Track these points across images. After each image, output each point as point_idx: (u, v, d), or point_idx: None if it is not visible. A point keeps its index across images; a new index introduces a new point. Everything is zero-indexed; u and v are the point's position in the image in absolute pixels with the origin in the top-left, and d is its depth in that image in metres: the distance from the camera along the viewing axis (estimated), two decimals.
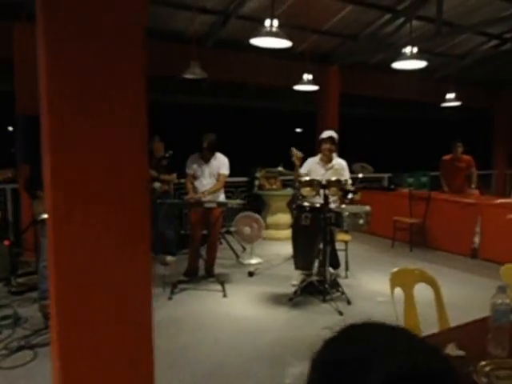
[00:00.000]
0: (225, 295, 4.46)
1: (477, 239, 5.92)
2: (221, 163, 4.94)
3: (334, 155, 4.70)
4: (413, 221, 6.47)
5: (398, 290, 2.62)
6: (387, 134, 14.52)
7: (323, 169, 4.65)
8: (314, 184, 4.13)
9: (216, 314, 4.08)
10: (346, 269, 5.30)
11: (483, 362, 1.41)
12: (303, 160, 4.64)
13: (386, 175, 9.20)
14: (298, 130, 11.68)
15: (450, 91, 7.62)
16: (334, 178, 4.18)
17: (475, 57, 8.72)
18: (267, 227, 7.06)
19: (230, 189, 7.54)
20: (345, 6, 6.54)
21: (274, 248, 6.39)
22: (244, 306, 4.28)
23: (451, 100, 7.62)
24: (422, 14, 6.80)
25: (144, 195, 1.78)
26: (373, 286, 4.78)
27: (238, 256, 5.85)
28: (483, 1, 6.65)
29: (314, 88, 6.08)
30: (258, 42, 3.91)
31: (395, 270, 2.62)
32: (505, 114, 11.14)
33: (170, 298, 4.36)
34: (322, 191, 4.18)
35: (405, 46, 4.62)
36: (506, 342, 1.57)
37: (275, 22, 3.72)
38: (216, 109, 10.24)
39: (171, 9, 5.99)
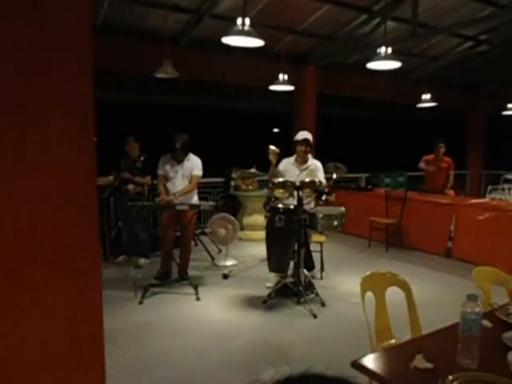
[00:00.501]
0: (198, 298, 4.33)
1: (451, 239, 5.94)
2: (194, 164, 4.80)
3: (309, 156, 4.63)
4: (389, 221, 6.46)
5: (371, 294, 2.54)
6: (364, 134, 14.60)
7: (298, 170, 4.57)
8: (287, 185, 4.04)
9: (188, 318, 3.95)
10: (322, 270, 5.24)
11: (451, 377, 1.33)
12: (280, 158, 4.54)
13: (364, 175, 9.21)
14: (276, 130, 11.62)
15: (426, 92, 7.65)
16: (308, 179, 4.09)
17: (450, 58, 8.81)
18: (243, 228, 6.97)
19: (206, 190, 7.44)
20: (321, 6, 6.48)
21: (250, 249, 6.29)
22: (217, 309, 4.16)
23: (426, 101, 7.65)
24: (398, 15, 6.80)
25: (90, 202, 1.62)
26: (348, 287, 4.73)
27: (212, 258, 5.72)
28: (458, 2, 6.68)
29: (290, 88, 5.99)
30: (230, 40, 3.78)
31: (367, 274, 2.53)
32: (478, 115, 11.31)
33: (140, 303, 4.20)
34: (295, 192, 4.09)
35: (380, 46, 4.56)
36: (476, 352, 1.50)
37: (247, 21, 3.60)
38: (193, 108, 10.07)
39: (144, 7, 5.82)
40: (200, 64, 7.04)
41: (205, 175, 7.28)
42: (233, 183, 7.20)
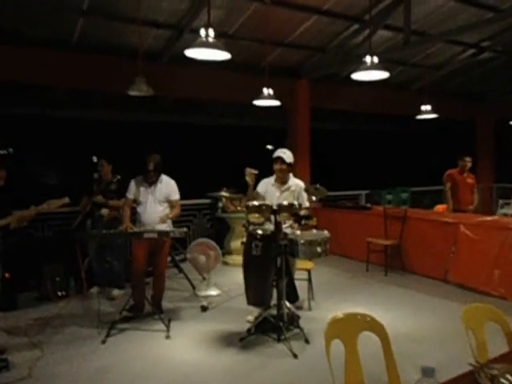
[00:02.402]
0: (168, 336, 3.98)
1: (453, 262, 5.52)
2: (170, 188, 4.53)
3: (290, 176, 4.31)
4: (387, 242, 6.07)
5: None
6: (364, 148, 14.24)
7: (278, 191, 4.25)
8: (262, 209, 3.71)
9: (154, 360, 3.60)
10: (312, 298, 4.86)
11: None
12: (258, 179, 4.25)
13: (363, 192, 8.83)
14: (269, 147, 11.37)
15: (426, 103, 7.31)
16: (285, 203, 3.76)
17: (452, 67, 8.49)
18: (231, 252, 6.63)
19: (191, 212, 7.14)
20: (308, 17, 6.26)
21: (236, 276, 5.85)
22: (188, 349, 3.80)
23: (427, 112, 7.31)
24: (391, 24, 6.55)
25: None
26: None
27: (194, 287, 5.38)
28: (456, 8, 6.40)
29: (275, 103, 5.71)
30: (194, 53, 3.52)
31: (334, 317, 2.18)
32: (486, 126, 10.91)
33: (103, 342, 3.87)
34: (272, 217, 3.76)
35: (365, 55, 4.27)
36: None
37: (211, 32, 3.33)
38: (180, 127, 9.88)
39: (122, 24, 5.65)
40: (184, 80, 6.83)
41: (191, 196, 7.06)
42: (220, 204, 6.89)
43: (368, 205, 7.23)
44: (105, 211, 5.23)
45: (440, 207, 6.99)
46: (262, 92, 5.65)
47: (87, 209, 5.27)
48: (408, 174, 11.58)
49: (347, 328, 2.21)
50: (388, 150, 14.66)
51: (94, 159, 5.57)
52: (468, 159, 6.67)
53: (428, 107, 7.26)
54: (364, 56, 4.31)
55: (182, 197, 6.81)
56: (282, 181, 4.25)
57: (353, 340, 2.19)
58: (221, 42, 3.54)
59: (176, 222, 6.66)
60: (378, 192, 8.87)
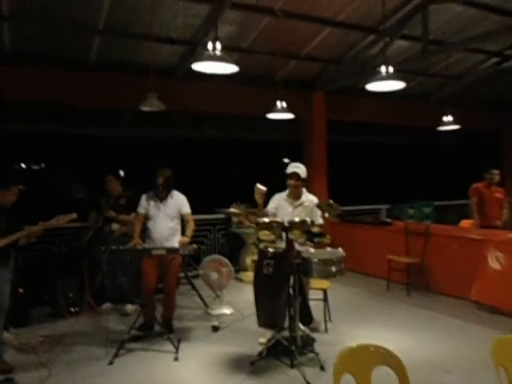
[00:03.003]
0: (176, 358, 3.79)
1: (481, 282, 5.15)
2: (180, 202, 4.41)
3: (304, 191, 4.11)
4: (409, 260, 5.74)
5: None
6: (385, 161, 13.85)
7: (291, 206, 4.05)
8: (273, 226, 3.51)
9: (161, 383, 3.41)
10: (328, 320, 4.59)
11: None
12: (269, 196, 4.07)
13: (384, 207, 8.50)
14: (286, 160, 11.19)
15: (447, 114, 7.00)
16: (297, 219, 3.55)
17: (474, 76, 8.16)
18: (245, 269, 6.43)
19: (206, 227, 6.99)
20: (321, 29, 6.11)
21: (251, 293, 5.56)
22: (196, 372, 3.61)
23: (449, 123, 6.98)
24: (408, 33, 6.32)
25: None
26: (359, 343, 4.04)
27: (206, 305, 5.19)
28: (477, 16, 6.14)
29: (289, 116, 5.54)
30: (201, 67, 3.40)
31: (343, 350, 1.95)
32: None
33: (110, 363, 3.72)
34: (284, 234, 3.56)
35: (380, 65, 4.06)
36: None
37: (218, 45, 3.21)
38: (195, 141, 9.83)
39: (137, 41, 5.62)
40: (198, 95, 6.76)
41: (205, 211, 6.90)
42: (235, 219, 6.72)
43: (388, 220, 6.92)
44: (115, 226, 5.14)
45: (465, 222, 6.63)
46: (275, 105, 5.51)
47: (99, 224, 5.19)
48: (431, 187, 11.16)
49: (359, 362, 1.98)
50: (410, 162, 14.25)
51: (121, 173, 5.51)
52: (495, 172, 6.23)
53: (450, 118, 6.95)
54: (379, 66, 4.11)
55: (197, 212, 6.72)
56: (296, 196, 4.06)
57: (366, 375, 1.96)
58: (227, 54, 3.43)
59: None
60: (399, 206, 8.55)
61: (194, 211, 6.58)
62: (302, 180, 4.01)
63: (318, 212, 4.04)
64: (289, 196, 4.10)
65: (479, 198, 6.19)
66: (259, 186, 4.00)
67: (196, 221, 6.72)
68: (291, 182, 3.98)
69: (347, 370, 1.95)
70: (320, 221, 3.98)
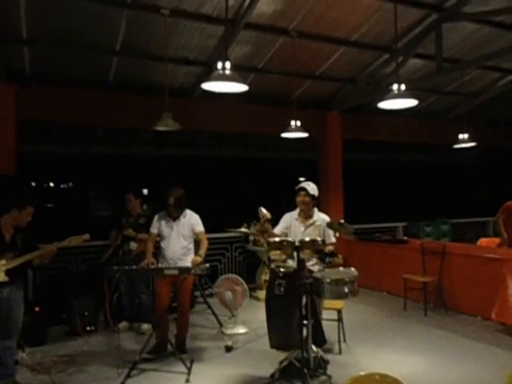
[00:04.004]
0: (187, 380, 3.68)
1: (501, 303, 4.90)
2: (193, 221, 4.34)
3: (315, 210, 4.00)
4: (426, 279, 5.51)
5: None
6: (401, 179, 13.56)
7: (302, 225, 3.94)
8: (284, 246, 3.41)
9: None
10: (343, 341, 4.41)
11: None
12: (276, 219, 3.97)
13: (401, 224, 8.27)
14: (302, 179, 11.10)
15: (464, 131, 6.81)
16: (307, 239, 3.45)
17: (491, 94, 7.96)
18: (261, 287, 6.29)
19: (223, 245, 6.93)
20: (336, 49, 6.07)
21: None
22: None
23: (465, 141, 6.78)
24: (423, 52, 6.23)
25: None
26: (373, 365, 3.87)
27: (221, 324, 5.06)
28: (493, 33, 6.00)
29: (303, 135, 5.48)
30: (211, 86, 3.38)
31: (347, 382, 1.81)
32: None
33: None
34: (295, 253, 3.45)
35: (393, 84, 3.97)
36: None
37: (227, 65, 3.19)
38: (214, 161, 9.86)
39: (154, 62, 5.68)
40: (216, 115, 6.78)
41: (222, 230, 6.83)
42: (251, 237, 6.62)
43: (404, 238, 6.71)
44: (133, 245, 5.11)
45: (484, 241, 6.36)
46: (290, 124, 5.47)
47: (118, 242, 5.18)
48: (449, 205, 10.84)
49: None
50: (427, 180, 13.93)
51: (144, 192, 5.52)
52: None
53: (465, 136, 6.75)
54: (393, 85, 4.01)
55: (215, 230, 6.66)
56: (307, 215, 3.95)
57: None
58: (242, 74, 3.41)
59: (207, 256, 6.50)
60: (416, 224, 8.31)
61: (212, 230, 6.55)
62: (312, 197, 3.90)
63: (331, 231, 3.92)
64: (300, 215, 3.99)
65: (509, 215, 5.81)
66: (263, 209, 3.89)
67: (214, 239, 6.73)
68: (299, 198, 3.88)
69: None
70: (333, 240, 3.86)
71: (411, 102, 3.98)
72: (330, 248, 3.65)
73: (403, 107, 4.16)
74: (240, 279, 4.94)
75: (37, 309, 4.73)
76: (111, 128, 7.42)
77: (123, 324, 5.08)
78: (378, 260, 6.69)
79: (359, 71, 6.78)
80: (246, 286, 4.92)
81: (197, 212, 4.46)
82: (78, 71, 5.71)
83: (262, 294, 6.21)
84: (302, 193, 3.86)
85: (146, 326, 4.97)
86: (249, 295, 5.15)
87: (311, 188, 3.90)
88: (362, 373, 1.89)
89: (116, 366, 3.89)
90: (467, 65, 6.03)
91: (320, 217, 3.98)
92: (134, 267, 4.05)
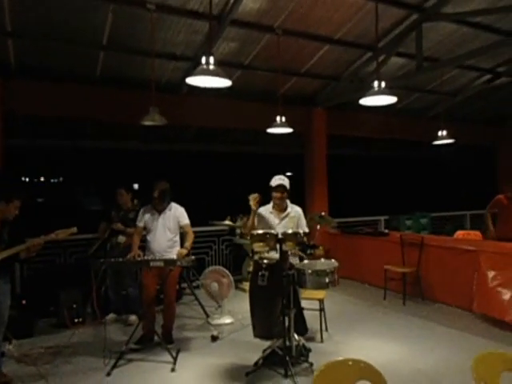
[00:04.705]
0: (173, 369, 3.68)
1: (476, 291, 4.99)
2: (178, 214, 4.31)
3: (288, 202, 4.00)
4: (405, 270, 5.59)
5: None
6: (383, 173, 13.70)
7: (277, 218, 3.93)
8: (267, 238, 3.42)
9: None
10: (325, 329, 4.45)
11: None
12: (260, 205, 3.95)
13: (383, 218, 8.36)
14: (289, 173, 11.12)
15: (442, 129, 6.89)
16: (290, 231, 3.46)
17: (468, 93, 8.06)
18: (248, 279, 6.29)
19: (211, 238, 6.92)
20: (321, 47, 6.07)
21: None
22: (191, 383, 3.48)
23: (443, 138, 6.86)
24: (405, 51, 6.27)
25: None
26: (353, 353, 3.89)
27: (207, 315, 5.07)
28: (470, 34, 6.06)
29: (288, 130, 5.48)
30: (194, 81, 3.36)
31: (320, 367, 1.83)
32: (509, 150, 10.25)
33: (108, 374, 3.60)
34: (277, 245, 3.46)
35: (373, 81, 3.99)
36: None
37: (211, 60, 3.17)
38: (202, 155, 9.81)
39: (141, 57, 5.60)
40: (203, 111, 6.74)
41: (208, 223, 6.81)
42: (238, 231, 6.62)
43: (385, 231, 6.78)
44: (122, 238, 5.06)
45: (460, 233, 6.46)
46: (275, 120, 5.46)
47: (106, 235, 5.13)
48: (429, 199, 11.00)
49: (339, 377, 1.86)
50: (408, 175, 14.08)
51: (135, 186, 5.45)
52: None
53: (444, 133, 6.83)
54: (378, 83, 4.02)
55: (202, 224, 6.64)
56: (281, 208, 3.94)
57: None
58: (229, 70, 3.39)
59: (195, 248, 6.49)
60: (397, 217, 8.40)
61: (201, 224, 6.51)
62: (287, 192, 3.91)
63: (304, 221, 3.95)
64: (274, 208, 3.97)
65: (500, 209, 5.77)
66: (252, 194, 3.87)
67: (201, 232, 6.71)
68: (277, 194, 3.85)
69: None
70: (306, 230, 3.87)
71: (391, 99, 4.02)
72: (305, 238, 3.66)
73: (383, 104, 4.19)
74: (226, 271, 4.94)
75: (24, 302, 4.67)
76: (100, 122, 7.31)
77: (110, 316, 5.04)
78: (360, 252, 6.76)
79: (343, 69, 6.79)
80: (231, 278, 4.93)
81: (185, 206, 4.43)
82: (65, 65, 5.62)
83: (247, 285, 6.13)
84: (281, 189, 3.85)
85: (133, 318, 4.95)
86: (235, 287, 5.17)
87: (287, 183, 3.89)
88: (330, 362, 1.90)
89: (103, 357, 3.87)
90: (446, 64, 6.08)
91: (294, 209, 3.98)
92: (121, 259, 4.02)
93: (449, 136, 6.80)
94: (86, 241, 5.79)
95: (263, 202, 3.93)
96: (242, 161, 10.76)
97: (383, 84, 3.92)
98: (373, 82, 3.99)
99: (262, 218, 3.89)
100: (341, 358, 1.91)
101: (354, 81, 6.86)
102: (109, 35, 5.13)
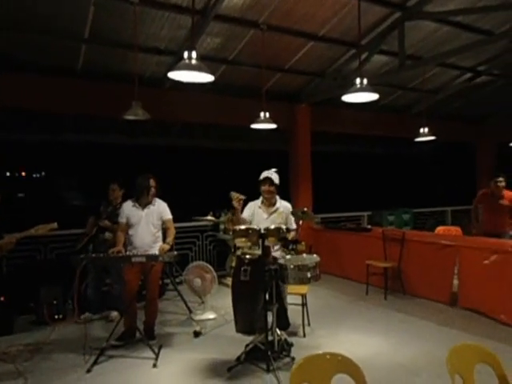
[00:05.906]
0: (155, 365, 3.65)
1: (456, 285, 5.09)
2: (162, 209, 4.26)
3: (277, 197, 4.01)
4: (387, 265, 5.66)
5: None
6: (366, 170, 13.84)
7: (266, 213, 3.94)
8: (249, 234, 3.41)
9: None
10: (307, 324, 4.48)
11: None
12: (245, 203, 3.95)
13: (365, 213, 8.44)
14: (274, 169, 11.15)
15: (424, 126, 6.98)
16: (272, 227, 3.45)
17: (449, 91, 8.17)
18: (231, 274, 6.29)
19: (194, 233, 6.88)
20: (305, 43, 6.06)
21: None
22: (173, 379, 3.47)
23: (425, 135, 6.95)
24: (388, 49, 6.31)
25: None
26: (336, 347, 3.94)
27: (190, 310, 5.04)
28: (451, 33, 6.13)
29: (272, 126, 5.47)
30: (177, 76, 3.31)
31: (299, 362, 1.84)
32: (488, 147, 10.47)
33: (88, 371, 3.56)
34: (260, 241, 3.45)
35: (356, 78, 4.00)
36: None
37: (194, 54, 3.13)
38: (187, 151, 9.75)
39: (124, 51, 5.51)
40: (187, 105, 6.68)
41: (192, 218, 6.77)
42: (222, 226, 6.60)
43: (368, 226, 6.84)
44: (109, 235, 4.96)
45: (441, 229, 6.56)
46: (259, 116, 5.44)
47: (93, 231, 5.03)
48: (411, 195, 11.17)
49: (317, 371, 1.87)
50: (391, 171, 14.25)
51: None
52: (501, 179, 5.70)
53: (426, 130, 6.92)
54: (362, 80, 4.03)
55: (185, 219, 6.59)
56: (270, 203, 3.95)
57: None
58: (213, 65, 3.35)
59: (178, 244, 6.45)
60: (379, 213, 8.49)
61: (184, 219, 6.45)
62: (276, 186, 3.91)
63: (292, 218, 3.96)
64: (263, 203, 3.99)
65: (485, 204, 5.80)
66: (234, 193, 3.85)
67: (184, 228, 6.66)
68: (265, 187, 3.86)
69: (305, 380, 1.84)
70: (294, 226, 3.89)
71: (372, 96, 4.04)
72: (292, 235, 3.68)
73: (365, 101, 4.21)
74: (209, 266, 4.92)
75: (2, 298, 4.57)
76: (83, 116, 7.17)
77: (86, 315, 4.91)
78: (343, 248, 6.81)
79: (327, 66, 6.80)
80: (214, 273, 4.91)
81: (169, 202, 4.38)
82: (46, 58, 5.48)
83: (231, 281, 6.22)
84: (268, 182, 3.86)
85: (114, 314, 4.89)
86: (218, 282, 5.16)
87: (275, 177, 3.90)
88: (309, 356, 1.91)
89: (83, 354, 3.82)
90: (428, 62, 6.14)
91: (282, 204, 3.99)
92: (101, 255, 3.96)
93: (430, 133, 6.90)
94: (67, 236, 5.70)
95: (248, 199, 3.93)
96: (228, 156, 10.71)
97: (365, 81, 3.94)
98: (355, 78, 4.01)
99: (252, 212, 3.89)
100: (319, 352, 1.91)
101: (338, 78, 6.88)
102: (91, 28, 5.02)
